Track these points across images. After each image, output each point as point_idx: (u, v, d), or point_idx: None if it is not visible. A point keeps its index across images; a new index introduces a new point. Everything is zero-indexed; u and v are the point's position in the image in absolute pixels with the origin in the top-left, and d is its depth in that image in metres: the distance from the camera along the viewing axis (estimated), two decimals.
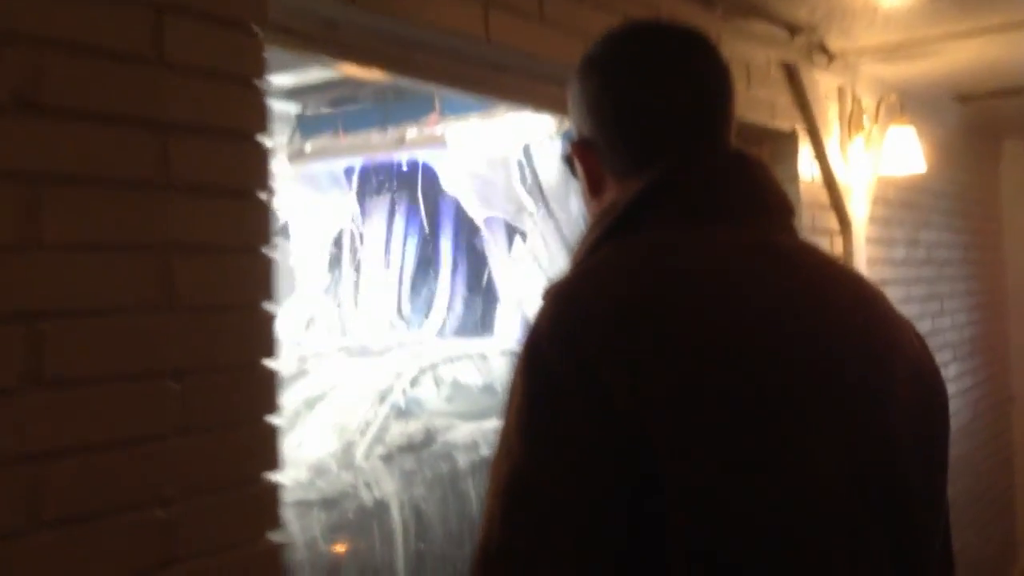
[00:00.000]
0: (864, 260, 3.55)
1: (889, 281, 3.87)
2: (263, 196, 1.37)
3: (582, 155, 0.96)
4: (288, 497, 3.17)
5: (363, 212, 6.13)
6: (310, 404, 3.63)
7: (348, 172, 6.13)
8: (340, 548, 3.21)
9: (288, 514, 3.14)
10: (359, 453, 3.43)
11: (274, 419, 1.35)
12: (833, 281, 0.90)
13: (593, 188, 0.96)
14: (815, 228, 3.27)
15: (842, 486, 0.79)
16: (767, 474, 0.75)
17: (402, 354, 3.86)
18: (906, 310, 4.04)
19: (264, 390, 1.36)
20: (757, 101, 2.95)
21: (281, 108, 6.45)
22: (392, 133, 5.85)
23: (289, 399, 3.65)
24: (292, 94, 6.31)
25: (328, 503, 3.26)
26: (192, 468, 1.27)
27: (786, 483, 0.76)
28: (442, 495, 3.67)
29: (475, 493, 3.73)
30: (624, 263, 0.84)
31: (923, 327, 4.18)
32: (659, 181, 0.88)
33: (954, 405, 3.81)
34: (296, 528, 3.11)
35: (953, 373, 4.50)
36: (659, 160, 0.89)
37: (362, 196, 6.13)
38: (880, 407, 0.84)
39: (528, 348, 0.78)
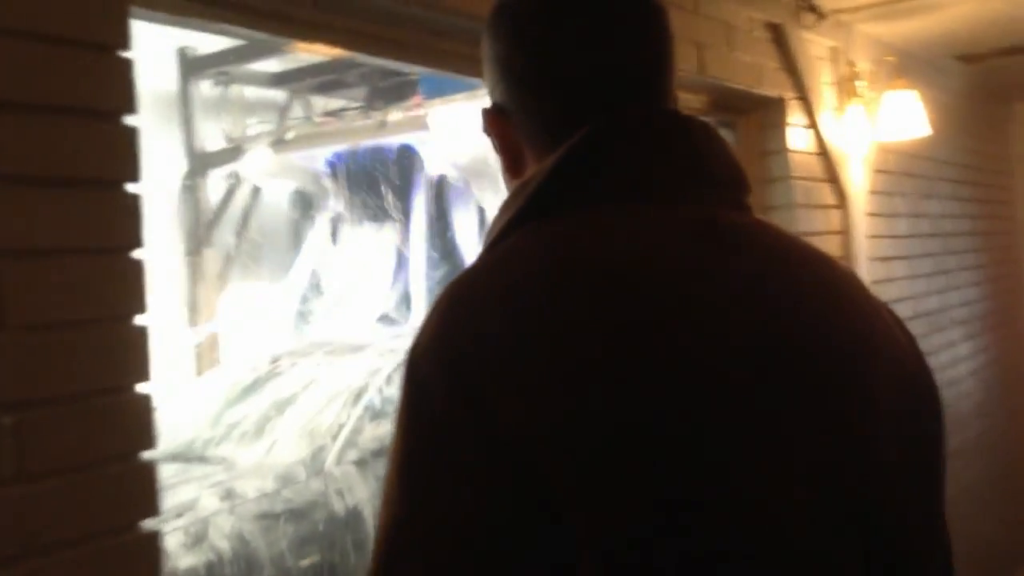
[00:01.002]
0: (864, 235, 3.40)
1: (892, 257, 3.71)
2: (132, 189, 1.20)
3: (495, 125, 0.84)
4: (253, 509, 2.99)
5: (348, 202, 5.93)
6: (280, 408, 3.44)
7: (331, 163, 5.93)
8: (309, 562, 3.02)
9: (252, 528, 2.95)
10: (330, 459, 3.23)
11: (149, 455, 1.18)
12: (794, 267, 0.77)
13: (511, 165, 0.84)
14: (809, 203, 3.14)
15: (808, 524, 0.66)
16: (707, 516, 0.63)
17: (379, 350, 3.65)
18: (910, 287, 3.93)
19: (136, 422, 1.18)
20: (740, 65, 2.77)
21: (266, 95, 6.38)
22: (374, 117, 5.70)
23: (259, 403, 3.47)
24: (278, 80, 6.28)
25: (296, 514, 3.07)
26: (39, 522, 1.08)
27: (733, 525, 0.63)
28: None
29: None
30: (528, 257, 0.71)
31: (930, 304, 3.98)
32: (577, 151, 0.75)
33: (967, 385, 3.64)
34: (261, 543, 2.92)
35: (964, 352, 4.34)
36: (582, 127, 0.77)
37: (346, 186, 5.92)
38: (854, 421, 0.71)
39: (407, 368, 0.67)
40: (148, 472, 1.18)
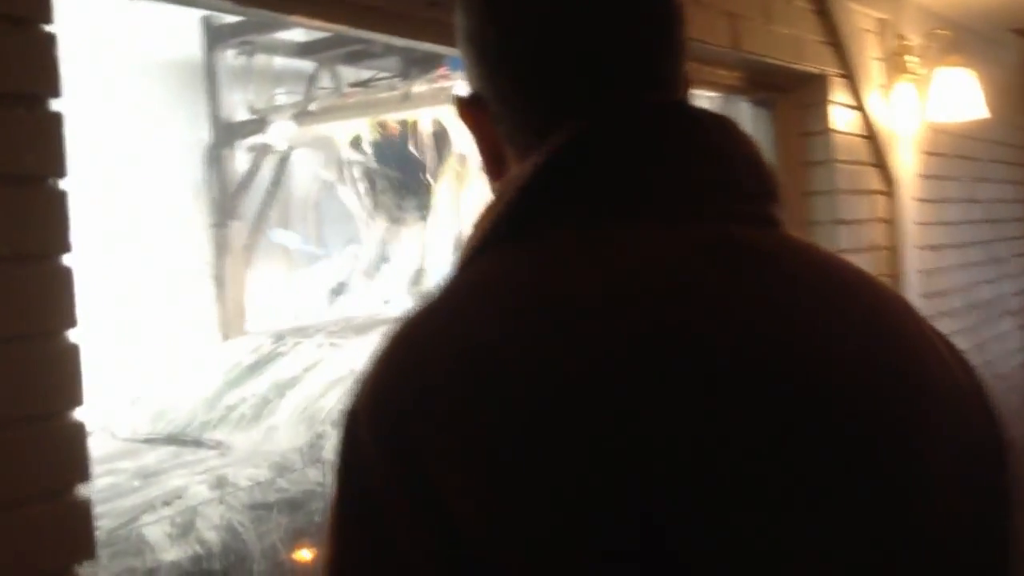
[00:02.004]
0: (912, 223, 3.21)
1: (942, 245, 3.53)
2: (58, 184, 1.06)
3: (471, 117, 0.71)
4: (245, 499, 2.82)
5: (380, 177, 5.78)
6: (280, 391, 3.26)
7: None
8: (304, 556, 2.84)
9: (243, 519, 2.77)
10: (328, 446, 3.04)
11: (84, 491, 1.06)
12: (829, 299, 0.63)
13: (491, 164, 0.71)
14: (853, 188, 2.95)
15: None
16: None
17: (383, 331, 3.40)
18: (961, 277, 3.67)
19: (68, 453, 1.06)
20: (779, 39, 2.58)
21: (293, 65, 6.24)
22: (400, 89, 5.52)
23: (259, 385, 3.29)
24: (304, 50, 6.13)
25: (291, 504, 2.89)
26: None
27: None
28: None
29: None
30: (490, 293, 0.60)
31: (981, 295, 3.74)
32: (556, 157, 0.63)
33: (1018, 379, 3.37)
34: (252, 535, 2.75)
35: (1016, 344, 4.19)
36: (570, 122, 0.64)
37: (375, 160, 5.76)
38: (903, 484, 0.59)
39: (344, 420, 0.58)
40: (82, 511, 1.06)
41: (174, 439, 3.15)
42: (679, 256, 0.60)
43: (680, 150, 0.64)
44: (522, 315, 0.56)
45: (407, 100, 5.51)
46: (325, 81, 6.14)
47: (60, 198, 1.06)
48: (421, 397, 0.55)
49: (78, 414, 1.05)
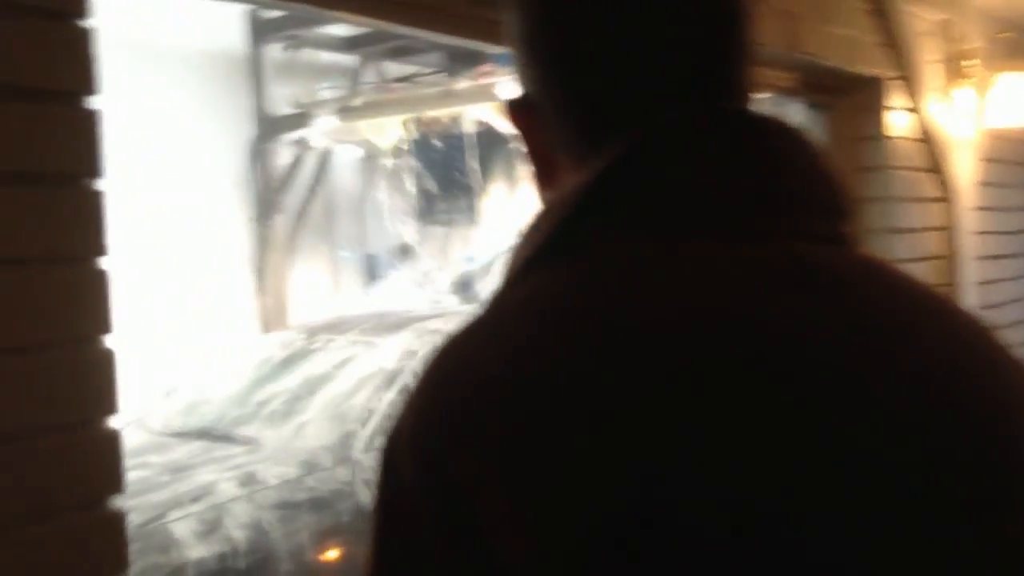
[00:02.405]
0: (970, 232, 3.14)
1: (1001, 255, 3.43)
2: (94, 185, 1.02)
3: (523, 123, 0.67)
4: (273, 497, 2.76)
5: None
6: (311, 388, 3.20)
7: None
8: (331, 556, 2.77)
9: (271, 517, 2.71)
10: (359, 445, 2.97)
11: (117, 502, 1.03)
12: (910, 324, 0.59)
13: (542, 174, 0.67)
14: (909, 196, 2.88)
15: None
16: None
17: (418, 330, 3.37)
18: (1019, 289, 3.57)
19: (102, 463, 1.02)
20: (835, 40, 2.52)
21: (337, 60, 6.22)
22: (441, 86, 5.46)
23: (291, 381, 3.24)
24: (349, 44, 6.11)
25: (318, 504, 2.83)
26: None
27: None
28: None
29: None
30: (539, 314, 0.56)
31: None
32: (612, 168, 0.59)
33: None
34: (279, 534, 2.69)
35: None
36: (627, 130, 0.60)
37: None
38: (1001, 537, 0.54)
39: (384, 451, 0.56)
40: (115, 523, 1.03)
41: (205, 434, 3.11)
42: (742, 278, 0.56)
43: (744, 161, 0.59)
44: (572, 341, 0.53)
45: (450, 97, 5.45)
46: (369, 76, 6.12)
47: (96, 199, 1.02)
48: (464, 434, 0.52)
49: (113, 422, 1.01)
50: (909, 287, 0.61)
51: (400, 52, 6.04)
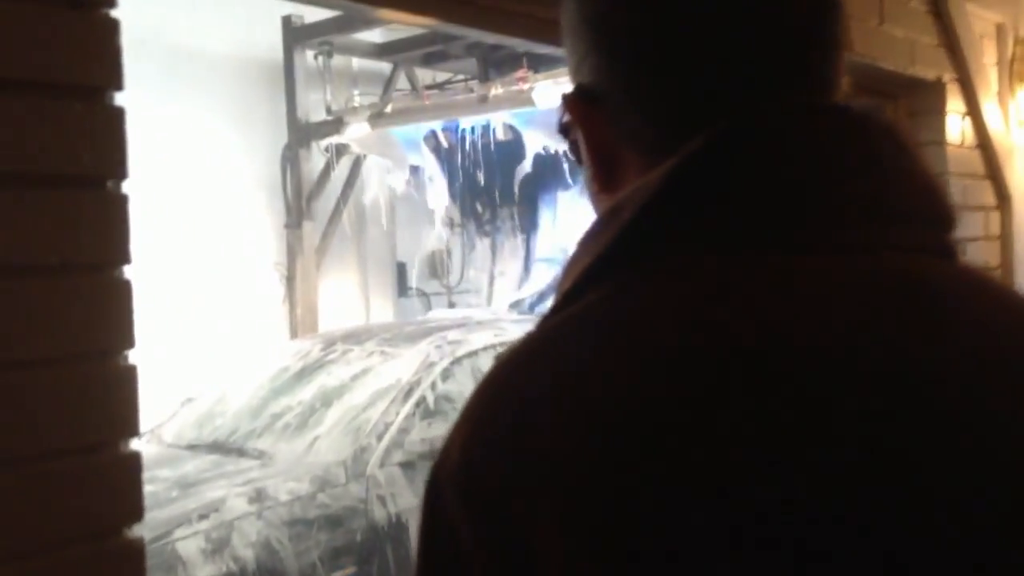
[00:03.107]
0: None
1: None
2: (116, 187, 0.94)
3: (582, 116, 0.59)
4: (284, 514, 2.61)
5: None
6: (326, 400, 3.05)
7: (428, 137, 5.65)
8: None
9: (281, 535, 2.56)
10: (373, 460, 2.82)
11: (136, 531, 0.95)
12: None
13: (601, 173, 0.59)
14: (966, 204, 2.74)
15: None
16: None
17: (436, 340, 3.20)
18: None
19: (120, 488, 0.94)
20: (892, 42, 2.42)
21: (370, 66, 6.15)
22: (477, 91, 5.35)
23: (306, 393, 3.09)
24: (382, 51, 6.03)
25: (331, 521, 2.67)
26: None
27: None
28: None
29: None
30: (605, 335, 0.49)
31: None
32: (692, 168, 0.51)
33: None
34: (290, 553, 2.54)
35: None
36: (708, 125, 0.52)
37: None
38: None
39: (428, 486, 0.51)
40: (134, 554, 0.95)
41: (217, 447, 2.97)
42: (836, 295, 0.50)
43: (846, 163, 0.53)
44: (643, 368, 0.47)
45: (485, 102, 5.35)
46: (401, 83, 6.04)
47: (119, 203, 0.93)
48: (518, 467, 0.47)
49: (132, 445, 0.94)
50: (1017, 302, 0.56)
51: (432, 59, 5.98)
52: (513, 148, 5.53)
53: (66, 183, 0.91)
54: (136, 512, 0.94)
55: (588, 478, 0.45)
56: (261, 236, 5.66)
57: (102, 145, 0.92)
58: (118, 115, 0.94)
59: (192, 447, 3.01)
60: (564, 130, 0.63)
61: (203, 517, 2.50)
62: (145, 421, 0.98)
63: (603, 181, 0.59)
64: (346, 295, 6.11)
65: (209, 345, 4.99)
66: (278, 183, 5.76)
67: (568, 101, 0.59)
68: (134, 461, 0.94)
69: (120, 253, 0.93)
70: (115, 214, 0.93)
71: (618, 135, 0.58)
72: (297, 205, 5.76)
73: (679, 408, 0.46)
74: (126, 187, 0.94)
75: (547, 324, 0.53)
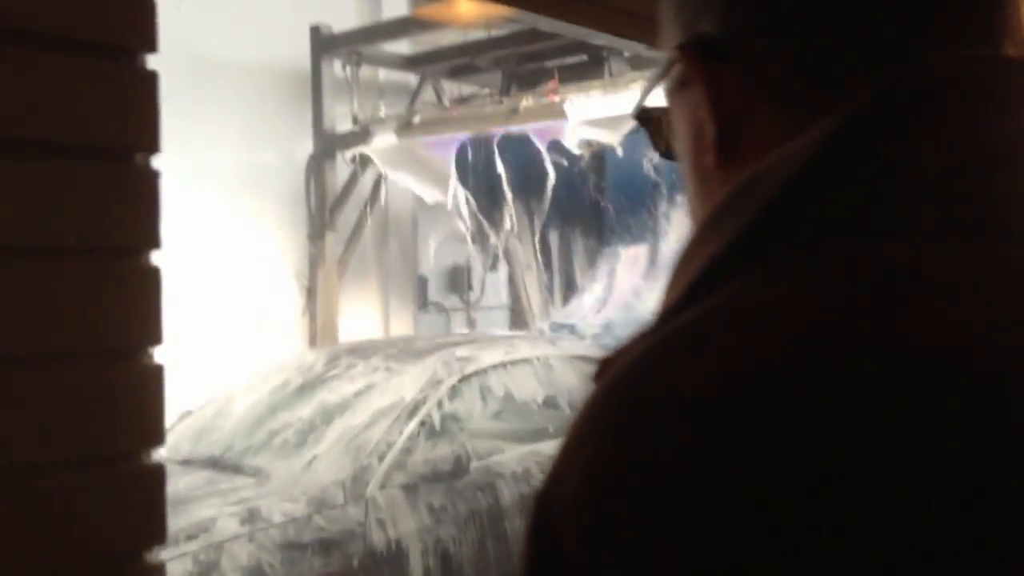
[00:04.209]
0: None
1: None
2: (147, 161, 0.83)
3: (705, 72, 0.48)
4: (278, 537, 2.47)
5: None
6: (327, 416, 2.90)
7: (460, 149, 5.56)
8: None
9: (274, 560, 2.41)
10: (374, 482, 2.66)
11: (157, 555, 0.84)
12: None
13: (723, 140, 0.48)
14: None
15: None
16: None
17: (443, 357, 3.04)
18: None
19: (143, 505, 0.82)
20: None
21: (397, 78, 6.07)
22: (506, 103, 5.24)
23: (307, 408, 2.95)
24: (410, 63, 5.96)
25: (327, 545, 2.52)
26: None
27: None
28: (478, 537, 2.80)
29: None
30: (757, 337, 0.40)
31: None
32: (855, 131, 0.42)
33: None
34: None
35: None
36: (870, 81, 0.43)
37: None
38: None
39: (536, 517, 0.41)
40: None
41: (212, 463, 2.84)
42: None
43: None
44: (811, 379, 0.37)
45: (514, 114, 5.23)
46: (428, 95, 5.96)
47: (149, 179, 0.81)
48: (666, 495, 0.37)
49: (157, 456, 0.83)
50: None
51: (458, 71, 5.90)
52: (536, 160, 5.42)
53: (88, 154, 0.79)
54: (159, 533, 0.83)
55: (730, 520, 0.36)
56: (283, 246, 5.58)
57: (131, 113, 0.81)
58: (150, 80, 0.82)
59: (186, 462, 2.88)
60: (643, 114, 0.55)
61: (191, 538, 2.36)
62: None
63: (724, 153, 0.48)
64: (366, 308, 6.01)
65: (227, 355, 4.89)
66: (302, 193, 5.68)
67: (687, 53, 0.48)
68: (158, 475, 0.83)
69: (149, 236, 0.81)
70: (144, 191, 0.82)
71: (749, 92, 0.47)
72: (320, 216, 5.68)
73: (870, 429, 0.36)
74: (158, 163, 0.82)
75: (672, 326, 0.42)
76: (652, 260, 5.85)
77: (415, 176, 5.66)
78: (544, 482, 0.42)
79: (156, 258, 0.83)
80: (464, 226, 5.74)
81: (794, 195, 0.42)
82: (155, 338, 0.82)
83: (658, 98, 0.54)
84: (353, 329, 5.74)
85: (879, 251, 0.41)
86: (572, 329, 5.24)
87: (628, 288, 5.79)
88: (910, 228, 0.42)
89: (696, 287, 0.44)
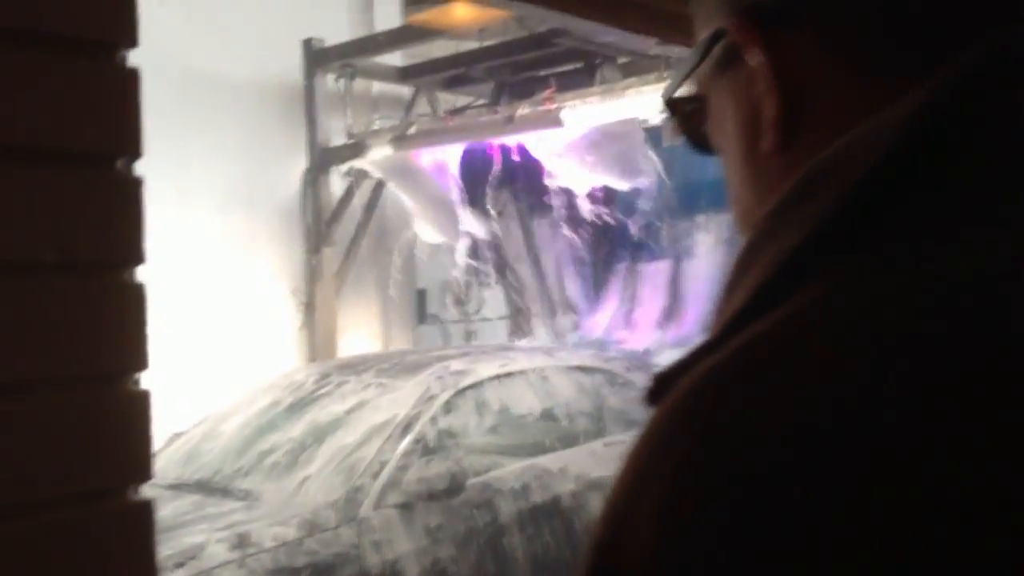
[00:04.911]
0: None
1: None
2: (128, 168, 0.76)
3: (758, 41, 0.42)
4: (268, 563, 2.37)
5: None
6: (318, 436, 2.80)
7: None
8: None
9: None
10: (367, 502, 2.56)
11: None
12: None
13: (780, 120, 0.42)
14: None
15: None
16: None
17: (438, 371, 2.95)
18: None
19: (129, 542, 0.75)
20: None
21: (391, 90, 6.00)
22: (501, 113, 5.16)
23: (297, 428, 2.85)
24: (403, 75, 5.89)
25: (320, 570, 2.42)
26: None
27: None
28: (477, 557, 2.72)
29: (522, 553, 2.74)
30: (850, 341, 0.34)
31: None
32: (955, 102, 0.36)
33: None
34: None
35: None
36: (962, 51, 0.37)
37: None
38: None
39: (596, 569, 0.35)
40: None
41: (201, 486, 2.75)
42: None
43: None
44: (927, 388, 0.32)
45: (510, 123, 5.15)
46: (423, 106, 5.89)
47: (132, 186, 0.75)
48: (755, 541, 0.32)
49: (145, 491, 0.77)
50: None
51: (453, 82, 5.83)
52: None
53: (64, 160, 0.73)
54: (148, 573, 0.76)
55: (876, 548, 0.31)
56: (279, 262, 5.50)
57: (110, 114, 0.74)
58: (131, 78, 0.76)
59: (175, 487, 2.78)
60: (675, 104, 0.50)
61: (179, 565, 2.26)
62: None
63: (788, 134, 0.42)
64: (365, 322, 5.92)
65: (225, 374, 4.81)
66: (297, 208, 5.61)
67: (743, 24, 0.42)
68: (145, 513, 0.76)
69: (132, 249, 0.75)
70: (126, 200, 0.75)
71: (822, 61, 0.41)
72: (317, 230, 5.60)
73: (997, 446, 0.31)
74: (143, 171, 0.76)
75: (745, 338, 0.36)
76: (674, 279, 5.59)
77: (418, 205, 5.57)
78: (603, 528, 0.36)
79: (140, 274, 0.77)
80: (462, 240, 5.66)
81: (886, 179, 0.36)
82: (140, 363, 0.76)
83: (688, 86, 0.50)
84: (352, 343, 5.65)
85: (985, 245, 0.34)
86: (601, 346, 5.03)
87: (656, 308, 5.57)
88: (993, 217, 0.35)
89: (768, 289, 0.37)
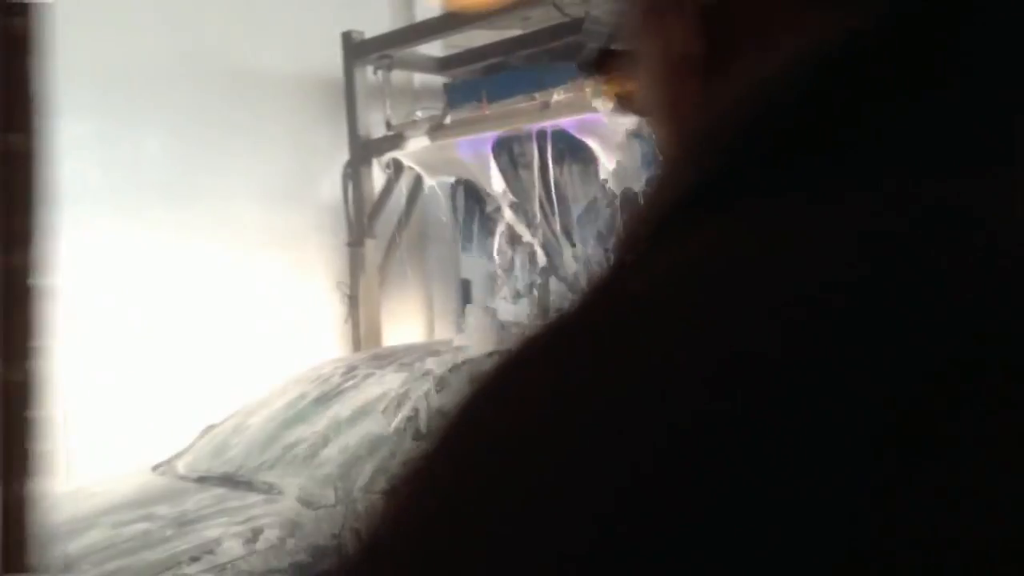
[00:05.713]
0: None
1: None
2: (26, 141, 0.69)
3: None
4: (285, 557, 2.33)
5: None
6: (339, 428, 2.75)
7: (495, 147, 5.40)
8: None
9: None
10: (360, 480, 2.49)
11: None
12: None
13: (712, 32, 0.37)
14: None
15: None
16: None
17: (446, 357, 2.87)
18: None
19: None
20: None
21: (430, 81, 5.94)
22: (537, 99, 5.07)
23: (323, 420, 2.81)
24: (442, 65, 5.83)
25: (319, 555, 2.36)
26: None
27: None
28: None
29: None
30: (784, 292, 0.26)
31: None
32: (857, 37, 0.30)
33: None
34: None
35: None
36: None
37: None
38: None
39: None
40: None
41: (227, 479, 2.73)
42: None
43: None
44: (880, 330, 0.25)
45: (547, 109, 5.06)
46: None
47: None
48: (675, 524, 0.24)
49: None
50: None
51: (489, 70, 5.74)
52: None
53: None
54: None
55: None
56: (323, 255, 5.50)
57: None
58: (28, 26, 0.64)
59: (202, 479, 2.77)
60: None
61: (195, 560, 2.24)
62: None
63: (712, 49, 0.36)
64: (409, 313, 5.89)
65: (270, 366, 4.82)
66: (339, 201, 5.60)
67: None
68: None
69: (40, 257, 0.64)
70: (19, 180, 0.64)
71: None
72: (359, 223, 5.58)
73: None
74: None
75: (646, 272, 0.29)
76: None
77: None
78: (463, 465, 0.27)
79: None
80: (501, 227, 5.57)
81: (812, 100, 0.30)
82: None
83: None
84: (397, 335, 5.63)
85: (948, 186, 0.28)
86: None
87: None
88: (921, 161, 0.29)
89: (658, 229, 0.32)
